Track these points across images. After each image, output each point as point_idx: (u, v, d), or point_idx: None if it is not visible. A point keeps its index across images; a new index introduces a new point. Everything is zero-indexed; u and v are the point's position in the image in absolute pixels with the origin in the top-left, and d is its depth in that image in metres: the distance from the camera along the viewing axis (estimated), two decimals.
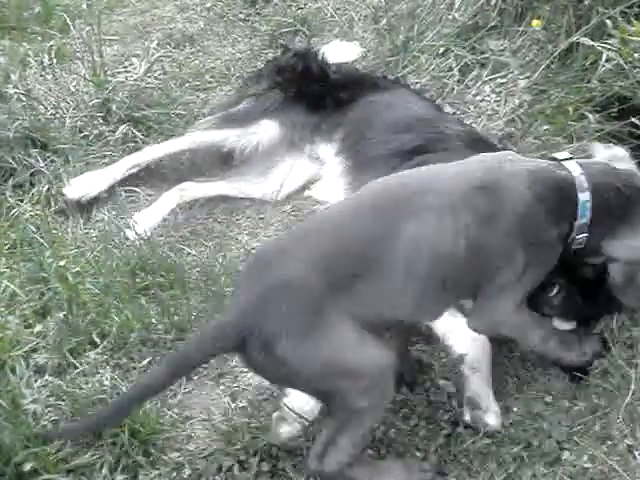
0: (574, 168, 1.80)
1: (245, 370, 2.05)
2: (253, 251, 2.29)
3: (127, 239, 2.41)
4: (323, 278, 1.63)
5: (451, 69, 2.92)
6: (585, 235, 1.79)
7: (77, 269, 2.26)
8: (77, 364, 2.04)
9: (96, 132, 2.82)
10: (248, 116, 2.73)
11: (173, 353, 1.79)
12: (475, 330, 1.85)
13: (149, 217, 2.52)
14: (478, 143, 2.31)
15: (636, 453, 1.79)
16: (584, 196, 1.77)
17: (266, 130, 2.69)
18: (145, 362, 2.06)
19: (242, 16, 3.63)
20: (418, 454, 1.86)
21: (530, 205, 1.73)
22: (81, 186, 2.59)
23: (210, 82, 3.23)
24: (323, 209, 2.09)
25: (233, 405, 1.95)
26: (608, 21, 2.59)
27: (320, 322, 1.63)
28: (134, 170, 2.68)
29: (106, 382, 1.99)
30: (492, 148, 2.23)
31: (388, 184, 1.82)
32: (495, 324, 1.80)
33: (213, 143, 2.72)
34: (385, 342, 1.76)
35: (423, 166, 1.95)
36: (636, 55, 2.45)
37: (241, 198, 2.64)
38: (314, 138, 2.66)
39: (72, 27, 3.43)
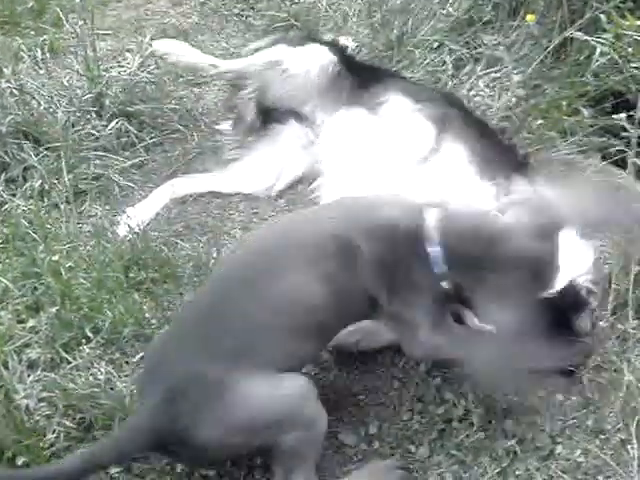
0: (430, 219, 1.78)
1: None
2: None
3: (117, 235, 2.40)
4: (215, 356, 1.68)
5: (445, 64, 2.91)
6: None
7: (70, 264, 2.24)
8: (70, 359, 2.03)
9: (89, 127, 2.81)
10: None
11: (87, 450, 1.76)
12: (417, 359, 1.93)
13: (141, 212, 2.50)
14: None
15: (629, 447, 1.79)
16: (433, 251, 1.76)
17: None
18: (138, 357, 2.05)
19: (236, 11, 3.62)
20: (412, 448, 1.86)
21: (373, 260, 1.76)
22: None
23: (204, 77, 3.22)
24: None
25: None
26: (602, 15, 2.59)
27: (225, 394, 1.66)
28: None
29: (100, 376, 1.99)
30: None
31: (250, 246, 1.90)
32: (422, 350, 1.84)
33: None
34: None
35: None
36: (630, 50, 2.45)
37: (234, 193, 2.63)
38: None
39: (65, 21, 3.41)
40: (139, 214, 2.48)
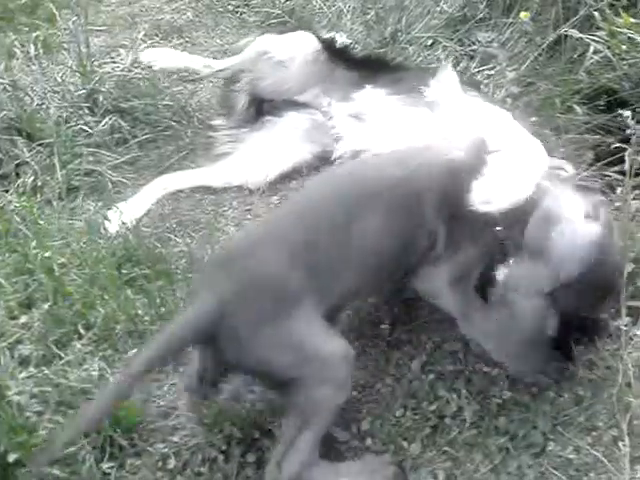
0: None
1: None
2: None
3: (108, 232, 2.39)
4: (292, 269, 1.73)
5: (439, 61, 2.91)
6: None
7: (62, 260, 2.24)
8: (62, 355, 2.03)
9: (82, 123, 2.80)
10: None
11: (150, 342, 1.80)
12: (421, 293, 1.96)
13: (132, 208, 2.50)
14: None
15: (621, 444, 1.79)
16: None
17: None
18: (131, 353, 2.05)
19: (231, 7, 3.63)
20: (404, 443, 1.86)
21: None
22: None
23: (197, 74, 3.21)
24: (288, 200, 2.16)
25: (219, 396, 1.93)
26: (596, 13, 2.60)
27: (289, 312, 1.71)
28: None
29: (92, 372, 1.98)
30: None
31: (351, 175, 1.97)
32: (431, 291, 1.92)
33: None
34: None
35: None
36: (623, 47, 2.46)
37: (226, 187, 2.62)
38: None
39: (59, 17, 3.41)
40: (130, 210, 2.47)
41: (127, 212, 2.45)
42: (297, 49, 2.75)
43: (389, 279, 1.95)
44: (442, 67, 2.43)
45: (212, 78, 3.14)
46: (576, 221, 1.81)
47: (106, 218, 2.41)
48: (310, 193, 2.01)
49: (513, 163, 1.89)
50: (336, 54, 2.78)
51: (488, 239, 1.87)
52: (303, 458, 1.71)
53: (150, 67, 3.10)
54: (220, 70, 2.98)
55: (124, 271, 2.26)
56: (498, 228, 1.84)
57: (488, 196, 1.82)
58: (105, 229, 2.39)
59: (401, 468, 1.81)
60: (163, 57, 3.13)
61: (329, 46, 2.80)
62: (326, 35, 2.95)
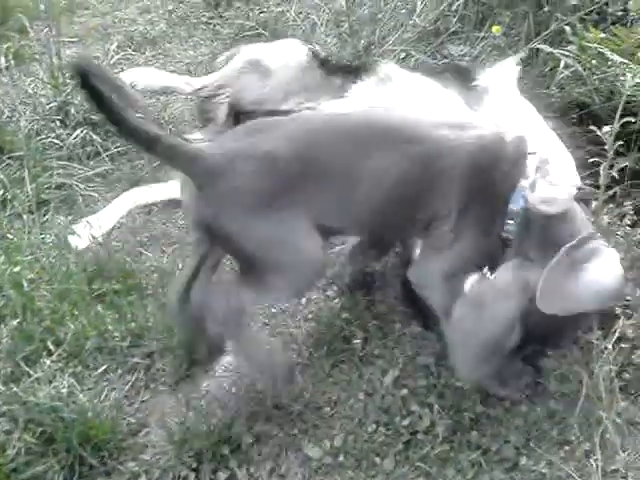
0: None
1: (201, 377, 2.03)
2: None
3: (76, 247, 2.36)
4: (297, 163, 1.75)
5: None
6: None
7: (32, 275, 2.22)
8: (31, 372, 2.00)
9: (53, 135, 2.78)
10: None
11: None
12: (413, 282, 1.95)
13: (100, 222, 2.47)
14: None
15: (593, 458, 1.79)
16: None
17: None
18: (101, 370, 2.03)
19: (204, 19, 3.62)
20: (377, 459, 1.85)
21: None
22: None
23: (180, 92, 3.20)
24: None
25: (189, 413, 1.91)
26: (567, 28, 2.62)
27: (282, 201, 1.74)
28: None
29: (62, 390, 1.95)
30: None
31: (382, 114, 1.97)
32: (424, 281, 1.91)
33: None
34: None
35: None
36: (594, 62, 2.47)
37: None
38: None
39: (30, 28, 3.38)
40: (99, 223, 2.45)
41: (96, 226, 2.42)
42: (283, 57, 2.74)
43: (384, 227, 1.93)
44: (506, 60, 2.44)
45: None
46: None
47: (74, 233, 2.39)
48: (323, 119, 1.97)
49: (562, 169, 1.89)
50: (321, 63, 2.77)
51: (494, 235, 1.86)
52: (238, 305, 1.81)
53: (133, 87, 3.06)
54: (202, 87, 2.96)
55: (94, 286, 2.23)
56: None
57: (550, 196, 1.81)
58: (74, 245, 2.36)
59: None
60: (145, 77, 3.10)
61: (315, 55, 2.79)
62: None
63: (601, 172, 2.05)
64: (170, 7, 3.77)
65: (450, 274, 1.87)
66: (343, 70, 2.69)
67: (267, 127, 1.83)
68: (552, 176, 1.82)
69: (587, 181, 2.23)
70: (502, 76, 2.39)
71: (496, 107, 2.22)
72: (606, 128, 2.01)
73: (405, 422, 1.90)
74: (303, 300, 2.23)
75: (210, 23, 3.60)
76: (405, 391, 1.95)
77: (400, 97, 2.31)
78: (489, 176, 1.83)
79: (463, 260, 1.87)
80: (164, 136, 1.76)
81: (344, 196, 1.81)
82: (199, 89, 2.95)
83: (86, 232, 2.38)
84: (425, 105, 2.25)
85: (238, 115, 2.72)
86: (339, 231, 1.95)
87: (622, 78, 2.26)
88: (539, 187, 1.80)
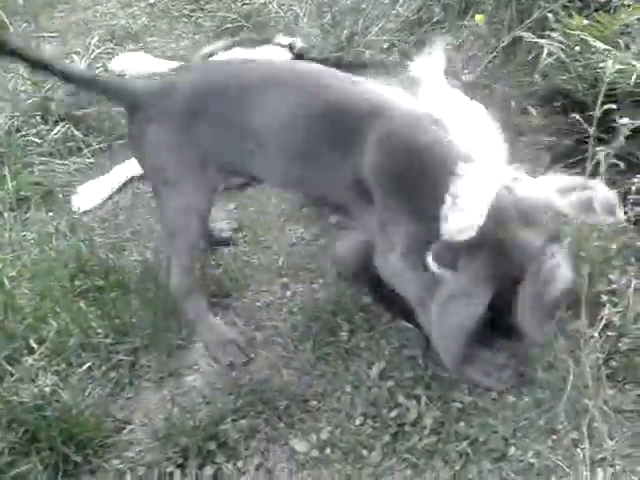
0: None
1: (186, 373, 2.02)
2: None
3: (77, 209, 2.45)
4: (201, 100, 1.91)
5: (397, 64, 2.89)
6: None
7: (13, 273, 2.19)
8: (13, 371, 1.98)
9: (34, 131, 2.75)
10: None
11: None
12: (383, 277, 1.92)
13: (96, 190, 2.46)
14: None
15: (580, 447, 1.79)
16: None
17: None
18: (84, 367, 2.01)
19: (186, 12, 3.57)
20: (364, 452, 1.84)
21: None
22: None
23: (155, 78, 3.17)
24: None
25: (174, 409, 1.90)
26: (550, 15, 2.60)
27: (187, 133, 1.91)
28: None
29: (46, 388, 1.93)
30: None
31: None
32: (389, 271, 1.89)
33: None
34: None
35: None
36: (577, 49, 2.46)
37: None
38: None
39: (9, 24, 3.34)
40: (92, 193, 2.44)
41: (97, 191, 2.43)
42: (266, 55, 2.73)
43: (300, 183, 1.97)
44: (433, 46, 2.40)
45: None
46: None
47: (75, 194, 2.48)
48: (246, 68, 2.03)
49: (480, 183, 1.85)
50: (296, 57, 2.76)
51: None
52: (176, 281, 2.05)
53: (124, 74, 3.04)
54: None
55: (77, 283, 2.21)
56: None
57: (463, 225, 1.77)
58: (77, 206, 2.45)
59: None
60: (136, 62, 3.06)
61: (290, 49, 2.78)
62: (283, 40, 2.92)
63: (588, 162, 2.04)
64: (151, 0, 3.73)
65: (409, 257, 1.83)
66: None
67: (190, 68, 2.09)
68: (462, 198, 1.79)
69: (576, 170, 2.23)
70: (430, 65, 2.37)
71: (428, 97, 2.20)
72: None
73: (392, 414, 1.89)
74: (288, 293, 2.22)
75: (192, 16, 3.56)
76: (392, 383, 1.95)
77: None
78: (404, 155, 1.81)
79: (415, 240, 1.82)
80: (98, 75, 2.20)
81: (248, 138, 1.90)
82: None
83: (89, 194, 2.37)
84: None
85: None
86: (254, 177, 2.07)
87: (602, 65, 2.25)
88: (451, 218, 1.78)
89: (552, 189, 1.83)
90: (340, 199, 1.94)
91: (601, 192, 1.80)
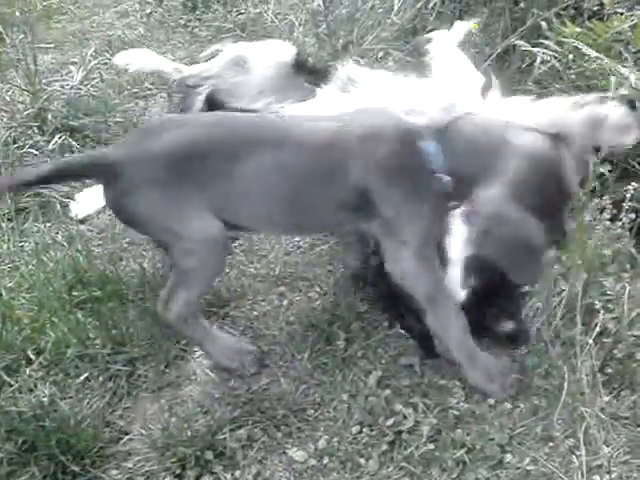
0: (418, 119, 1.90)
1: (184, 383, 2.03)
2: None
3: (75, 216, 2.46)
4: (194, 162, 1.86)
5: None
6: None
7: (11, 284, 2.20)
8: (12, 382, 1.98)
9: (31, 142, 2.76)
10: None
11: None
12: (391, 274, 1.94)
13: (93, 198, 2.48)
14: None
15: (577, 454, 1.79)
16: (427, 146, 1.85)
17: None
18: (82, 378, 2.01)
19: (182, 22, 3.61)
20: (362, 461, 1.84)
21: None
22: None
23: (149, 89, 3.20)
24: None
25: (172, 419, 1.90)
26: (543, 23, 2.62)
27: (176, 192, 1.86)
28: None
29: (44, 399, 1.94)
30: None
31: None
32: (399, 270, 1.91)
33: None
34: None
35: None
36: (570, 56, 2.47)
37: None
38: None
39: (6, 35, 3.36)
40: (90, 200, 2.47)
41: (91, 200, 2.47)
42: (266, 56, 2.73)
43: (297, 221, 1.98)
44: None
45: (164, 93, 3.11)
46: None
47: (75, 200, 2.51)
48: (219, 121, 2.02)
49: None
50: (299, 65, 2.76)
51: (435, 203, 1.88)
52: (181, 308, 1.94)
53: (126, 70, 3.04)
54: (190, 76, 2.92)
55: (75, 293, 2.22)
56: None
57: (413, 106, 1.80)
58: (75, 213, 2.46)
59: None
60: (138, 58, 3.05)
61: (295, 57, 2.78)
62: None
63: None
64: (148, 10, 3.76)
65: (422, 253, 1.87)
66: (312, 72, 2.69)
67: (162, 128, 1.95)
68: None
69: None
70: (446, 40, 2.40)
71: (443, 73, 2.24)
72: None
73: (389, 422, 1.89)
74: (285, 302, 2.22)
75: (188, 26, 3.59)
76: (389, 391, 1.95)
77: (364, 98, 2.31)
78: (390, 158, 1.86)
79: (425, 236, 1.88)
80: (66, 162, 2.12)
81: (241, 193, 1.90)
82: (186, 77, 2.92)
83: (87, 202, 2.39)
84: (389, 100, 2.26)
85: (212, 108, 2.71)
86: (249, 229, 2.06)
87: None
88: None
89: (564, 106, 1.84)
90: (335, 224, 2.02)
91: (615, 110, 1.81)
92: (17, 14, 3.24)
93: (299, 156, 1.89)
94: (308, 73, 2.70)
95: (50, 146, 2.76)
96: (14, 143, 2.76)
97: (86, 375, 2.02)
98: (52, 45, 3.47)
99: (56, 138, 2.78)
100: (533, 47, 2.55)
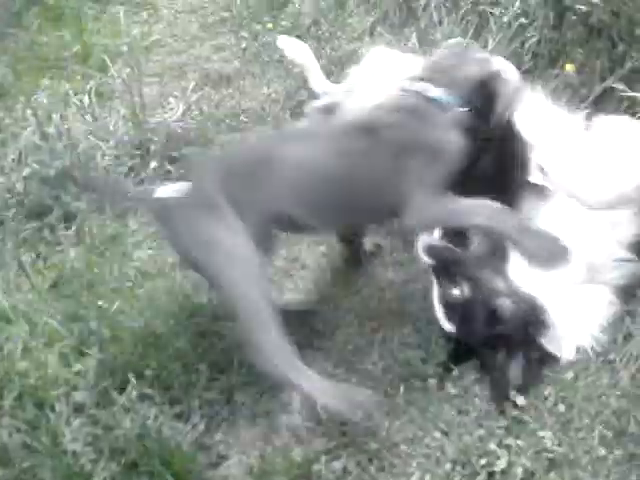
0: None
1: (280, 412, 2.07)
2: None
3: None
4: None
5: None
6: None
7: (115, 307, 2.29)
8: (116, 401, 2.05)
9: (132, 175, 2.89)
10: None
11: None
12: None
13: None
14: None
15: None
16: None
17: None
18: (183, 402, 2.07)
19: (276, 57, 3.67)
20: None
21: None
22: None
23: (246, 122, 3.28)
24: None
25: (268, 447, 1.95)
26: None
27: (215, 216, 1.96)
28: None
29: (148, 421, 1.98)
30: None
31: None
32: (416, 217, 2.00)
33: None
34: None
35: None
36: None
37: None
38: None
39: (111, 67, 3.50)
40: None
41: None
42: None
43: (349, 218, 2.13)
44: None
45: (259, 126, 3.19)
46: None
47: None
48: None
49: None
50: None
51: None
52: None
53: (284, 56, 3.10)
54: (327, 92, 2.92)
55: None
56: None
57: None
58: None
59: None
60: (296, 50, 3.05)
61: None
62: None
63: None
64: (243, 45, 3.86)
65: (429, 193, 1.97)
66: None
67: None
68: None
69: None
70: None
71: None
72: None
73: (482, 462, 1.91)
74: (378, 337, 2.25)
75: (282, 61, 3.66)
76: (482, 431, 1.97)
77: None
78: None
79: (431, 179, 1.98)
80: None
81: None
82: (324, 93, 2.92)
83: None
84: None
85: None
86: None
87: None
88: None
89: None
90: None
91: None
92: (124, 48, 3.39)
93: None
94: None
95: (149, 174, 2.87)
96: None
97: (186, 400, 2.07)
98: (153, 78, 3.59)
99: (154, 166, 2.90)
100: (633, 92, 2.54)
